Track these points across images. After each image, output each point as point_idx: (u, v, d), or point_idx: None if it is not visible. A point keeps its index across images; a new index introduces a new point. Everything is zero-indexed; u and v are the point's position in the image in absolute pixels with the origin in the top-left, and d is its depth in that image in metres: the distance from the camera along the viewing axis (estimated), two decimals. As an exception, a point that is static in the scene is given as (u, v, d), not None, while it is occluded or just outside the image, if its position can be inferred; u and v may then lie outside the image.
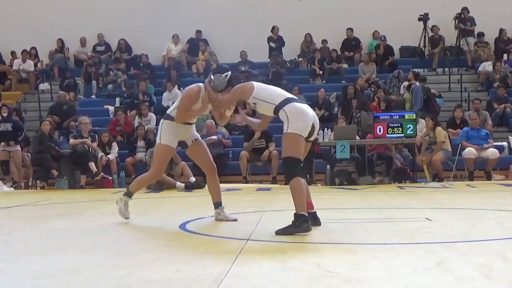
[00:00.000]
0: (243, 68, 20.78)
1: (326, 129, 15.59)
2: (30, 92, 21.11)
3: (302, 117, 6.66)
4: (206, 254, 5.36)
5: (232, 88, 7.22)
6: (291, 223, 6.41)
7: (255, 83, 7.07)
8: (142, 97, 18.88)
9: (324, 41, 21.76)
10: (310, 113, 6.76)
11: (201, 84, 7.65)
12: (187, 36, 22.46)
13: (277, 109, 6.75)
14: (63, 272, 4.70)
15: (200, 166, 7.89)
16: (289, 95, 6.97)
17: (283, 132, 6.62)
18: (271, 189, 13.90)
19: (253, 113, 10.37)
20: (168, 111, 7.71)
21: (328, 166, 15.17)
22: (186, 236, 6.58)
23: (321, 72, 20.98)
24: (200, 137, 7.83)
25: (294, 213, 6.43)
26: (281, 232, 6.37)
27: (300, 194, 6.49)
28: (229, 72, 7.42)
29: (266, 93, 6.95)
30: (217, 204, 7.75)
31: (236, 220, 7.64)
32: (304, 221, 6.39)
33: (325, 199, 11.14)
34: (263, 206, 9.51)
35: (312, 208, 7.00)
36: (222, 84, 7.35)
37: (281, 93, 6.96)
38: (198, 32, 22.33)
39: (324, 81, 20.71)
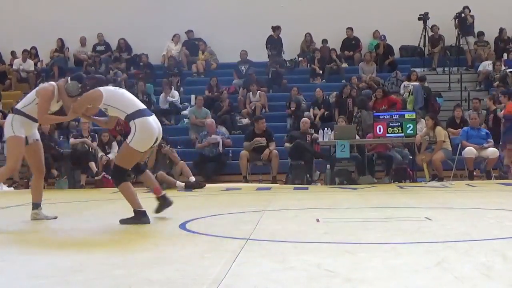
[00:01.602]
0: (242, 68, 20.79)
1: (326, 128, 15.57)
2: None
3: (148, 132, 7.36)
4: (206, 253, 5.35)
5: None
6: (132, 217, 7.38)
7: (103, 90, 7.50)
8: (142, 97, 18.86)
9: (324, 41, 21.75)
10: (156, 128, 7.45)
11: (54, 83, 7.89)
12: (185, 36, 22.46)
13: (128, 118, 7.34)
14: (63, 272, 4.70)
15: (30, 166, 8.16)
16: (142, 106, 7.51)
17: (126, 140, 7.38)
18: (271, 188, 13.89)
19: None
20: (18, 106, 7.86)
21: (328, 166, 15.16)
22: (186, 236, 6.57)
23: (321, 72, 20.97)
24: (40, 138, 8.06)
25: (134, 210, 7.40)
26: (124, 221, 7.34)
27: (132, 194, 7.46)
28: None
29: (118, 100, 7.45)
30: (36, 205, 7.99)
31: (56, 217, 8.04)
32: (143, 216, 7.37)
33: (325, 199, 11.16)
34: (263, 206, 9.51)
35: (160, 193, 7.84)
36: (75, 91, 7.68)
37: (134, 103, 7.48)
38: (190, 31, 22.29)
39: (324, 80, 20.70)
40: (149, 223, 7.35)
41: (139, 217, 7.36)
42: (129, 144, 7.33)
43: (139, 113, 7.34)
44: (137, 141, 7.28)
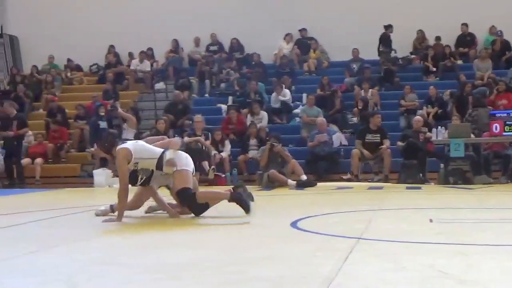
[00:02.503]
0: (354, 66, 20.64)
1: (439, 127, 15.28)
2: (146, 92, 21.69)
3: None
4: (317, 252, 5.35)
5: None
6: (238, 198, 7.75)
7: (130, 146, 7.70)
8: (254, 96, 19.06)
9: (438, 38, 21.29)
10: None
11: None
12: (298, 35, 22.50)
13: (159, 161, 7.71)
14: (176, 267, 4.81)
15: None
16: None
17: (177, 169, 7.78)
18: (383, 187, 13.74)
19: None
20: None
21: (442, 165, 14.86)
22: (297, 234, 6.59)
23: (434, 69, 20.56)
24: None
25: (230, 197, 7.80)
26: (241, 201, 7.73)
27: (210, 194, 8.23)
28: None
29: (144, 150, 7.77)
30: None
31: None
32: (240, 195, 7.79)
33: (438, 199, 10.94)
34: (375, 205, 9.42)
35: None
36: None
37: (155, 149, 7.91)
38: (304, 30, 22.31)
39: (437, 78, 20.28)
40: (252, 197, 7.86)
41: (239, 196, 7.74)
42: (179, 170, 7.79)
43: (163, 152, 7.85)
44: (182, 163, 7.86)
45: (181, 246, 5.97)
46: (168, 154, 7.76)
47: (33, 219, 8.05)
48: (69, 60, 23.21)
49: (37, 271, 4.85)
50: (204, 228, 7.28)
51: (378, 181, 15.10)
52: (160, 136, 9.10)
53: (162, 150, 7.83)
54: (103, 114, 17.07)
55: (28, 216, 7.82)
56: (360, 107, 18.06)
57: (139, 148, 7.70)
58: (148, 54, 22.60)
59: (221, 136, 16.45)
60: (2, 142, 17.34)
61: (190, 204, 7.82)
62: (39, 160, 16.71)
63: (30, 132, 18.01)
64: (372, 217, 7.79)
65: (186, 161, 7.90)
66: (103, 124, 16.93)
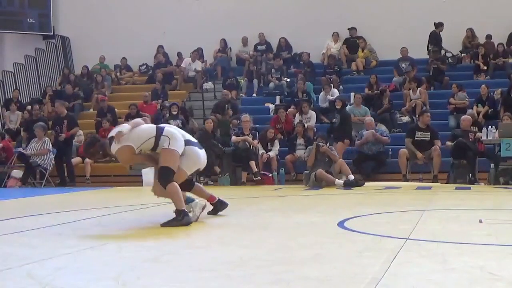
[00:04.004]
0: (403, 65, 20.47)
1: (490, 126, 15.08)
2: (195, 91, 21.83)
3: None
4: (364, 252, 5.34)
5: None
6: (173, 218, 7.38)
7: (127, 142, 7.47)
8: (301, 95, 19.04)
9: (488, 36, 21.00)
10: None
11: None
12: (347, 33, 22.39)
13: (157, 136, 7.53)
14: (224, 266, 4.85)
15: None
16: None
17: (164, 147, 7.51)
18: (432, 187, 13.61)
19: None
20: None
21: (492, 165, 14.66)
22: (344, 234, 6.58)
23: (485, 68, 20.28)
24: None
25: (176, 210, 7.40)
26: (165, 224, 7.32)
27: (177, 193, 7.44)
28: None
29: (139, 136, 7.54)
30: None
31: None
32: (185, 215, 7.39)
33: (489, 199, 10.81)
34: (423, 205, 9.35)
35: (214, 199, 8.25)
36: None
37: (147, 127, 7.72)
38: (353, 29, 22.21)
39: (488, 77, 20.01)
40: (191, 222, 7.43)
41: (181, 217, 7.38)
42: (168, 148, 7.53)
43: (160, 130, 7.63)
44: (173, 144, 7.56)
45: (230, 245, 6.01)
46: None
47: (83, 217, 8.18)
48: (122, 59, 23.52)
49: (86, 268, 4.94)
50: (252, 228, 7.31)
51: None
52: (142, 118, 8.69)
53: (154, 126, 7.78)
54: (175, 113, 17.22)
55: (78, 214, 7.95)
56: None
57: (135, 136, 7.56)
58: (198, 54, 22.73)
59: (273, 135, 16.48)
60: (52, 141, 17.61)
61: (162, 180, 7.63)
62: (89, 160, 16.94)
63: (80, 132, 18.29)
64: (420, 218, 7.73)
65: (179, 144, 7.69)
66: (174, 123, 16.93)
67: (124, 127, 7.68)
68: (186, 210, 7.50)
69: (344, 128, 16.18)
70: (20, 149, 17.29)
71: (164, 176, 7.51)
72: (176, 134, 7.69)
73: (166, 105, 18.06)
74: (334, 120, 16.51)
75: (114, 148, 7.53)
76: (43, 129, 17.04)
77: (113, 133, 7.66)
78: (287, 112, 18.04)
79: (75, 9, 24.38)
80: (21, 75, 23.23)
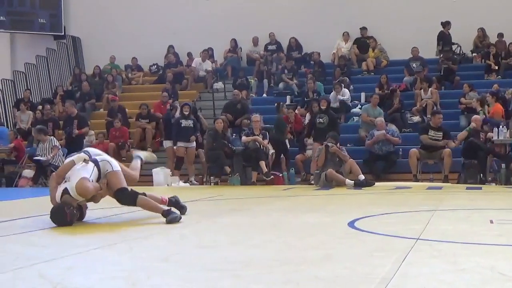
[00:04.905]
0: (414, 65, 20.41)
1: (501, 126, 15.02)
2: (205, 91, 21.84)
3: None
4: (375, 252, 5.33)
5: None
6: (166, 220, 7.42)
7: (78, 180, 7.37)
8: (312, 95, 19.02)
9: (500, 35, 20.92)
10: None
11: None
12: (357, 33, 22.37)
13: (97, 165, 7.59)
14: (234, 266, 4.85)
15: None
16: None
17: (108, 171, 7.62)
18: (442, 187, 13.57)
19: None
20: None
21: (504, 165, 14.61)
22: (354, 234, 6.57)
23: (496, 68, 20.21)
24: None
25: (162, 213, 7.49)
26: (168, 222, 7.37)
27: (150, 203, 7.62)
28: None
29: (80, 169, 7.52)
30: None
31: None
32: (169, 214, 7.47)
33: (500, 199, 10.78)
34: (434, 205, 9.32)
35: (167, 201, 8.03)
36: None
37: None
38: (364, 29, 22.17)
39: (499, 76, 19.93)
40: (178, 216, 7.51)
41: (169, 217, 7.45)
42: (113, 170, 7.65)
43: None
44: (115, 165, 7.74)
45: (240, 245, 6.00)
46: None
47: (93, 216, 8.19)
48: (133, 59, 23.57)
49: (98, 267, 4.94)
50: (262, 228, 7.30)
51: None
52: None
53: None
54: (187, 113, 17.25)
55: (88, 214, 7.94)
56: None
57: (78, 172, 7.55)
58: (208, 54, 22.75)
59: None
60: (63, 141, 17.65)
61: (125, 200, 7.70)
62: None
63: (91, 132, 18.32)
64: (431, 218, 7.71)
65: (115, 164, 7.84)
66: (185, 123, 16.94)
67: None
68: (166, 209, 7.64)
69: (332, 130, 15.48)
70: (38, 157, 16.89)
71: (127, 198, 7.61)
72: (105, 156, 7.92)
73: (176, 105, 18.06)
74: (321, 120, 16.27)
75: (72, 187, 7.34)
76: (38, 132, 16.91)
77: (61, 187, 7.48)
78: (296, 112, 18.04)
79: (86, 9, 24.46)
80: (32, 75, 23.33)
